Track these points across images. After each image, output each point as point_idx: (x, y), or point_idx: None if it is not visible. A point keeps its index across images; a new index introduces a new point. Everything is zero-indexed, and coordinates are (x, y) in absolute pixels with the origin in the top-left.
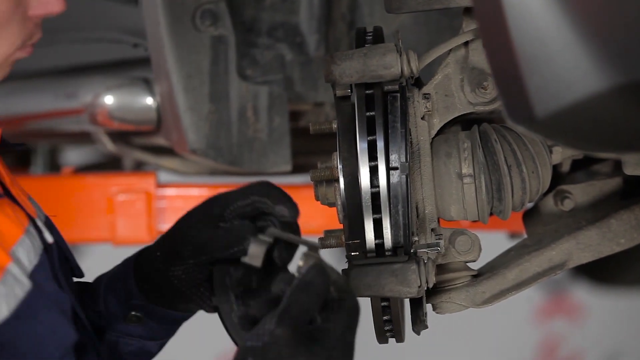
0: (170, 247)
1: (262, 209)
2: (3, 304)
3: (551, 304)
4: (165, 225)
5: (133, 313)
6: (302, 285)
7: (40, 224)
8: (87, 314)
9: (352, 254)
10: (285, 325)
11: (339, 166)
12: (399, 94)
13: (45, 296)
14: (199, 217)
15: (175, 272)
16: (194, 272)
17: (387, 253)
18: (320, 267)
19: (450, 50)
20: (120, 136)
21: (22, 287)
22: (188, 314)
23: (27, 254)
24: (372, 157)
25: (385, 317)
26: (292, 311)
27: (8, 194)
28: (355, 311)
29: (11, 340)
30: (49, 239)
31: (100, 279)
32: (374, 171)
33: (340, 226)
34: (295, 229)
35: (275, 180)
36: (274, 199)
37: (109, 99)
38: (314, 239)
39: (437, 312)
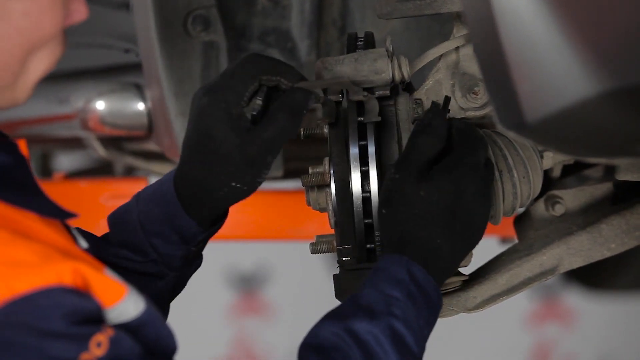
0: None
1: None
2: (139, 298)
3: (543, 308)
4: None
5: (194, 248)
6: (421, 127)
7: (74, 231)
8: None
9: (344, 259)
10: (403, 169)
11: (331, 171)
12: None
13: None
14: (228, 124)
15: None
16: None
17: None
18: (438, 109)
19: (442, 55)
20: (111, 141)
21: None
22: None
23: None
24: (364, 162)
25: None
26: (411, 155)
27: None
28: (477, 140)
29: (146, 325)
30: (84, 244)
31: (120, 231)
32: (365, 176)
33: (332, 231)
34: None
35: (267, 186)
36: (287, 75)
37: (100, 105)
38: (305, 245)
39: None
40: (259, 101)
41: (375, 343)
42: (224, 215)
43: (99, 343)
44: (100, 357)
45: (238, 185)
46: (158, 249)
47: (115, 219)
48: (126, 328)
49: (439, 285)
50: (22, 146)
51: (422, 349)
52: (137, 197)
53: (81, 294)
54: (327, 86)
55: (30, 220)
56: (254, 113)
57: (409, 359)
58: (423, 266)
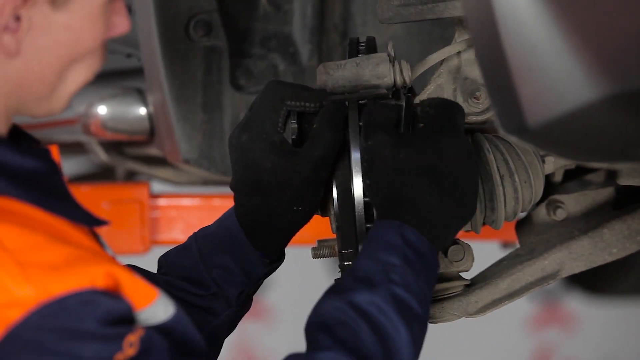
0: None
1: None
2: (169, 302)
3: (544, 313)
4: (159, 235)
5: (253, 286)
6: (371, 103)
7: (102, 239)
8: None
9: (345, 263)
10: (372, 133)
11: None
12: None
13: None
14: (275, 152)
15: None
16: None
17: None
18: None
19: (443, 60)
20: (113, 146)
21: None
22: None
23: None
24: None
25: None
26: (373, 119)
27: None
28: (452, 106)
29: (175, 329)
30: (110, 252)
31: (178, 267)
32: None
33: (333, 236)
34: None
35: None
36: (310, 99)
37: (102, 109)
38: (307, 249)
39: (430, 322)
40: (294, 124)
41: (378, 312)
42: (282, 255)
43: (131, 343)
44: (132, 357)
45: (300, 209)
46: (218, 281)
47: (169, 257)
48: (155, 331)
49: (436, 248)
50: (54, 152)
51: (426, 310)
52: (195, 236)
53: (113, 295)
54: (360, 99)
55: (62, 226)
56: (294, 137)
57: (415, 322)
58: (415, 228)
